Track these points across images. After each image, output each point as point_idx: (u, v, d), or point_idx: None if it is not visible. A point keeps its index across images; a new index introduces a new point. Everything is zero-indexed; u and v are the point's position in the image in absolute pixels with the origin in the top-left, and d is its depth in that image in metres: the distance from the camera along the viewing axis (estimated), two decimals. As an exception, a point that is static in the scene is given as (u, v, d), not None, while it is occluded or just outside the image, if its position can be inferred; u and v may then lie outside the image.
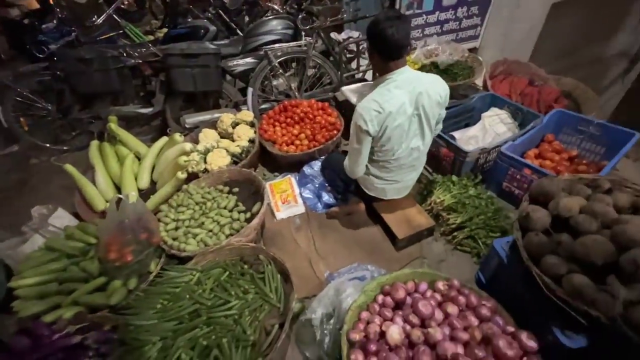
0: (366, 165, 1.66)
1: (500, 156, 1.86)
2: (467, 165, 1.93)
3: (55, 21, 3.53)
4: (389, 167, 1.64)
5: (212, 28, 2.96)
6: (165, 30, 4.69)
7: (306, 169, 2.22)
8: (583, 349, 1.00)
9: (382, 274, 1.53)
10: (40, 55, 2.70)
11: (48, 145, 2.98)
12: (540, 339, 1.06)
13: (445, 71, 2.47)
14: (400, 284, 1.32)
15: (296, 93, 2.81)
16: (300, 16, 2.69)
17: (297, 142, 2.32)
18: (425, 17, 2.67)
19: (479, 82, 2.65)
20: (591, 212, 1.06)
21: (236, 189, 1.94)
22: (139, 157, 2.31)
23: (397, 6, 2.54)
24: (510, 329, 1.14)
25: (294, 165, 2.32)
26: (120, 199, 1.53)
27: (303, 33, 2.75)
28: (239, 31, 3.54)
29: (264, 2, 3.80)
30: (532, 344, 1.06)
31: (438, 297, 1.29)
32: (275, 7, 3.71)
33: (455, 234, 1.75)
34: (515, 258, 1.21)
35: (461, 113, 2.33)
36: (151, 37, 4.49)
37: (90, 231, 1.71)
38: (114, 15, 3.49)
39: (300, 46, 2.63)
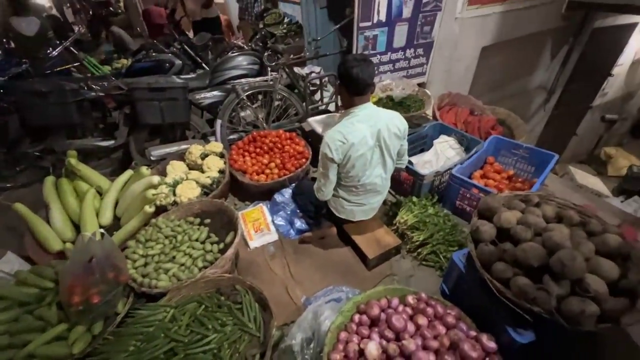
0: (337, 189, 1.81)
1: (452, 178, 2.10)
2: (424, 187, 2.14)
3: (1, 52, 3.35)
4: (356, 192, 1.79)
5: (178, 62, 3.02)
6: (123, 61, 4.65)
7: (277, 197, 2.29)
8: (533, 343, 1.15)
9: (356, 294, 1.61)
10: (-16, 88, 2.53)
11: (-12, 182, 2.71)
12: (498, 338, 1.20)
13: (399, 103, 2.77)
14: (374, 301, 1.41)
15: (264, 124, 2.92)
16: (266, 53, 2.87)
17: (268, 171, 2.39)
18: (379, 57, 3.01)
19: (429, 112, 2.98)
20: (526, 223, 1.27)
21: (208, 220, 1.94)
22: (100, 193, 2.21)
23: (354, 47, 2.83)
24: (473, 333, 1.27)
25: (265, 194, 2.37)
26: (83, 236, 1.46)
27: (269, 68, 2.93)
28: (204, 65, 3.64)
29: (229, 39, 3.97)
30: (492, 344, 1.19)
31: (409, 310, 1.39)
32: (240, 43, 3.89)
33: (419, 250, 1.90)
34: (471, 268, 1.37)
35: (416, 140, 2.60)
36: (109, 68, 4.41)
37: (47, 274, 1.58)
38: (71, 47, 3.42)
39: (266, 81, 2.78)
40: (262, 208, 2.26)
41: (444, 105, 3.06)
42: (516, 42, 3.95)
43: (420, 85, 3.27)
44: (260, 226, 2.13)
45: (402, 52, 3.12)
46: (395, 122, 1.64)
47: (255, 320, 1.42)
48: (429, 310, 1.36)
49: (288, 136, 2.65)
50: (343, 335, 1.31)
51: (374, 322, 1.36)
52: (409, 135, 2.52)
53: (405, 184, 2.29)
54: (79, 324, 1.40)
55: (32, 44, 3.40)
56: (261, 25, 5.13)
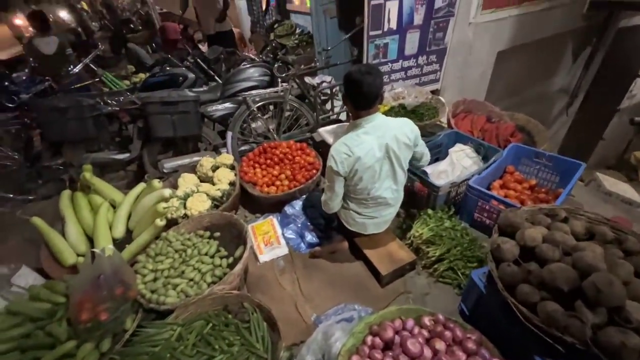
0: (347, 202, 1.76)
1: (469, 189, 2.00)
2: (440, 198, 2.05)
3: (27, 70, 3.53)
4: (367, 204, 1.72)
5: (191, 76, 3.08)
6: (141, 75, 4.81)
7: (288, 209, 2.25)
8: (565, 376, 1.04)
9: (369, 314, 1.53)
10: (10, 105, 2.66)
11: (11, 195, 2.82)
12: (525, 368, 1.09)
13: (412, 112, 2.69)
14: (387, 322, 1.33)
15: (275, 135, 2.91)
16: (276, 65, 2.87)
17: (278, 182, 2.37)
18: (390, 65, 2.95)
19: (443, 120, 2.89)
20: (552, 241, 1.17)
21: (217, 234, 1.92)
22: (114, 206, 2.24)
23: (365, 55, 2.79)
24: (496, 361, 1.17)
25: (275, 206, 2.34)
26: (94, 252, 1.46)
27: (279, 80, 2.93)
28: (217, 78, 3.70)
29: (241, 52, 4.03)
30: (518, 375, 1.09)
31: (425, 333, 1.30)
32: (251, 55, 3.95)
33: (436, 266, 1.80)
34: (492, 288, 1.27)
35: (430, 149, 2.49)
36: (127, 83, 4.58)
37: (59, 289, 1.59)
38: (91, 64, 3.55)
39: (277, 92, 2.78)
40: (273, 221, 2.23)
41: (459, 113, 2.95)
42: (534, 45, 3.81)
43: (433, 92, 3.19)
44: (270, 239, 2.09)
45: (414, 60, 3.06)
46: (404, 131, 1.58)
47: (263, 340, 1.37)
48: (447, 333, 1.27)
49: (299, 147, 2.62)
50: (355, 359, 1.24)
51: (387, 345, 1.28)
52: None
53: (419, 195, 2.20)
54: (87, 341, 1.39)
55: (52, 62, 3.57)
56: (272, 37, 5.21)
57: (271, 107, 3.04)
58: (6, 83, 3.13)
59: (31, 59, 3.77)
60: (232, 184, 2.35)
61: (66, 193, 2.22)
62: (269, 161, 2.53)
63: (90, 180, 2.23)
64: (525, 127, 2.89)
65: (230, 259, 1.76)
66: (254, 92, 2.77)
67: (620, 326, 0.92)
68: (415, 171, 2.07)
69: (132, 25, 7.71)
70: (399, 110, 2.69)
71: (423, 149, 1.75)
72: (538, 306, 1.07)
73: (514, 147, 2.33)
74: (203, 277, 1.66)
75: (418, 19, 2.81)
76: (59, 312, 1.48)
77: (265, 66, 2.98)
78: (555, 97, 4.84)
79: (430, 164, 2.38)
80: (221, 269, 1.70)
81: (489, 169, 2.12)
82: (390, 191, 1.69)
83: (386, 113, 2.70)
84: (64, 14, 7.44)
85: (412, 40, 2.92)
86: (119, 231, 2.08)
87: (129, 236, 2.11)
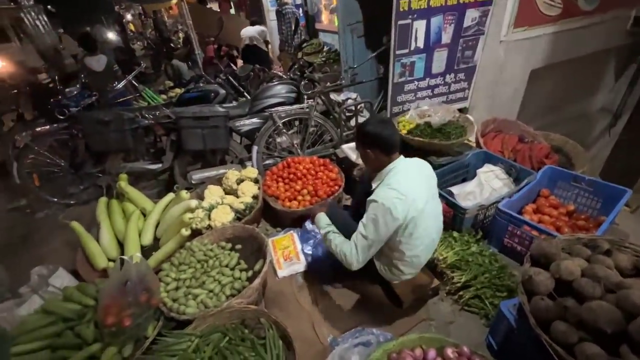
0: (394, 262, 1.57)
1: (498, 212, 1.90)
2: (467, 221, 1.96)
3: (78, 86, 3.87)
4: (418, 259, 1.57)
5: (222, 92, 3.23)
6: (177, 90, 5.13)
7: (308, 224, 2.24)
8: None
9: (387, 339, 1.47)
10: (61, 117, 2.91)
11: (56, 199, 3.05)
12: (561, 417, 0.99)
13: (439, 130, 2.64)
14: (407, 351, 1.27)
15: (299, 150, 2.96)
16: (303, 82, 2.95)
17: (300, 197, 2.38)
18: (416, 83, 2.93)
19: (471, 139, 2.80)
20: (593, 276, 1.07)
21: (239, 246, 1.95)
22: (144, 213, 2.36)
23: (391, 73, 2.80)
24: (528, 405, 1.07)
25: (296, 221, 2.35)
26: (123, 259, 1.54)
27: (305, 96, 3.00)
28: (246, 94, 3.85)
29: (271, 70, 4.20)
30: (553, 423, 0.98)
31: (448, 366, 1.22)
32: (279, 73, 4.09)
33: (461, 293, 1.71)
34: (524, 323, 1.18)
35: (457, 169, 2.43)
36: (164, 97, 4.90)
37: (89, 292, 1.68)
38: (132, 81, 3.84)
39: (303, 108, 2.84)
40: (293, 236, 2.23)
41: (489, 132, 2.86)
42: (572, 63, 3.63)
43: (461, 110, 3.11)
44: (289, 255, 2.09)
45: (442, 78, 3.01)
46: (427, 168, 1.60)
47: (279, 358, 1.35)
48: (473, 369, 1.18)
49: (322, 162, 2.64)
50: (371, 388, 1.18)
51: (406, 376, 1.22)
52: (448, 163, 2.41)
53: (444, 216, 2.11)
54: (111, 344, 1.44)
55: (101, 78, 3.90)
56: (300, 55, 5.38)
57: (296, 123, 3.11)
58: (60, 97, 3.47)
59: (82, 75, 4.15)
60: (255, 197, 2.40)
61: (103, 200, 2.37)
62: (292, 176, 2.56)
63: (125, 188, 2.37)
64: (562, 148, 2.73)
65: (250, 272, 1.78)
66: (280, 108, 2.85)
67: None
68: (441, 192, 2.00)
69: (172, 44, 8.29)
70: (425, 129, 2.64)
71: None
72: (576, 348, 0.97)
73: (550, 169, 2.20)
74: (222, 289, 1.68)
75: (446, 37, 2.79)
76: (88, 314, 1.56)
77: (292, 83, 3.07)
78: (595, 117, 4.54)
79: (456, 184, 2.31)
80: (240, 282, 1.72)
81: (521, 191, 2.01)
82: (436, 231, 1.61)
83: (411, 131, 2.66)
84: (112, 35, 8.16)
85: (440, 59, 2.90)
86: (148, 238, 2.18)
87: (156, 243, 2.20)
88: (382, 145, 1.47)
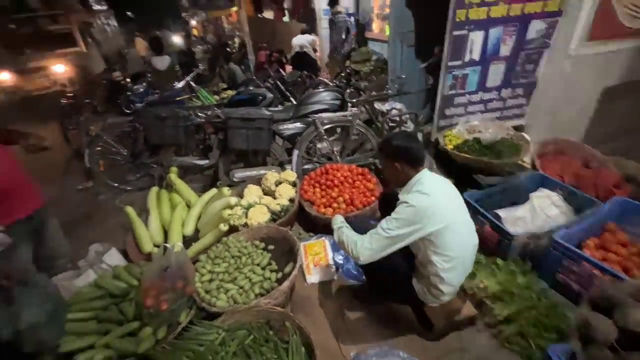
0: (437, 287, 1.46)
1: (553, 244, 1.71)
2: (513, 249, 1.80)
3: (144, 84, 4.29)
4: (459, 276, 1.49)
5: (270, 96, 3.35)
6: (229, 92, 5.45)
7: (341, 233, 2.22)
8: None
9: (415, 364, 1.39)
10: (127, 111, 3.24)
11: (116, 184, 3.38)
12: None
13: (488, 147, 2.47)
14: (435, 381, 1.18)
15: (338, 157, 2.96)
16: (348, 90, 2.95)
17: (335, 205, 2.37)
18: (468, 97, 2.78)
19: (527, 160, 2.58)
20: (671, 333, 0.91)
21: (271, 247, 1.99)
22: (189, 205, 2.52)
23: (440, 85, 2.69)
24: None
25: (328, 228, 2.31)
26: (166, 247, 1.65)
27: (350, 104, 3.00)
28: (292, 99, 3.96)
29: (318, 76, 4.28)
30: None
31: (481, 406, 1.12)
32: (325, 80, 4.15)
33: (501, 327, 1.56)
34: (576, 373, 1.04)
35: (506, 190, 2.24)
36: (217, 97, 5.23)
37: (134, 273, 1.82)
38: (190, 82, 4.16)
39: (346, 116, 2.84)
40: (325, 242, 2.22)
41: (547, 153, 2.60)
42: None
43: (516, 128, 2.88)
44: (320, 261, 2.08)
45: (497, 92, 2.82)
46: (450, 183, 1.55)
47: (300, 366, 1.34)
48: (509, 415, 1.07)
49: (360, 172, 2.61)
50: (392, 414, 1.12)
51: (432, 409, 1.13)
52: (497, 183, 2.23)
53: (488, 240, 1.96)
54: (148, 325, 1.54)
55: (164, 77, 4.28)
56: (347, 63, 5.42)
57: (338, 130, 3.12)
58: (128, 93, 3.88)
59: (148, 74, 4.60)
60: (291, 200, 2.44)
61: (154, 189, 2.58)
62: (329, 182, 2.57)
63: (174, 180, 2.56)
64: (637, 177, 2.40)
65: (280, 274, 1.80)
66: (323, 114, 2.88)
67: None
68: (486, 213, 1.87)
69: (228, 49, 8.86)
70: (473, 144, 2.49)
71: None
72: (643, 414, 0.83)
73: (620, 201, 1.94)
74: (252, 287, 1.72)
75: (505, 49, 2.61)
76: (132, 293, 1.69)
77: (338, 91, 3.09)
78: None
79: (504, 207, 2.13)
80: (270, 282, 1.75)
81: (583, 223, 1.80)
82: (472, 244, 1.52)
83: (459, 147, 2.53)
84: (176, 39, 8.95)
85: (496, 72, 2.72)
86: (189, 229, 2.32)
87: (196, 235, 2.33)
88: (409, 158, 1.45)
